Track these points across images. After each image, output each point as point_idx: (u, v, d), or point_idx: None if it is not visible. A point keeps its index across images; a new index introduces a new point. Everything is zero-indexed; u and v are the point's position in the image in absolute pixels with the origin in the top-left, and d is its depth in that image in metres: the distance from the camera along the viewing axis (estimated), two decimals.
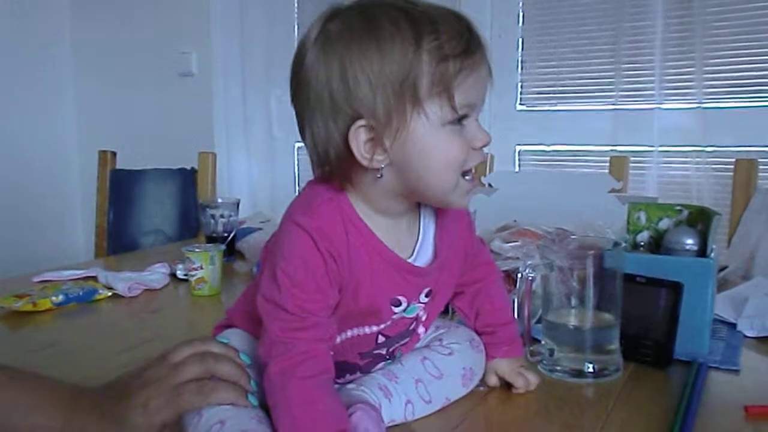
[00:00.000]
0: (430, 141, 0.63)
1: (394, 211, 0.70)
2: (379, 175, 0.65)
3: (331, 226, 0.65)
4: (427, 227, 0.74)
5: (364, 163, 0.63)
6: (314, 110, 0.63)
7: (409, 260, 0.71)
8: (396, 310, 0.72)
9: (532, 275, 0.85)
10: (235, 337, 0.75)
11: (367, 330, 0.72)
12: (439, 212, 0.75)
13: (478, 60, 0.64)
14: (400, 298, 0.71)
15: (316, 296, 0.65)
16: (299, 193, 0.71)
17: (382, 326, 0.72)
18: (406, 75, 0.61)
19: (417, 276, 0.71)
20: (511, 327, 0.84)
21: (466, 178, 0.67)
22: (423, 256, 0.73)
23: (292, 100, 0.67)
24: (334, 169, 0.65)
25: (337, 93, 0.62)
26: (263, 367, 0.65)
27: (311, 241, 0.64)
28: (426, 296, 0.74)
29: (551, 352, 0.86)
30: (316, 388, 0.63)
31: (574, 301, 0.85)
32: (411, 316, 0.74)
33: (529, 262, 0.87)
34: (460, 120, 0.64)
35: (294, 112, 0.68)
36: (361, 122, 0.62)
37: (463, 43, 0.62)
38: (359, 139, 0.63)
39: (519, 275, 0.85)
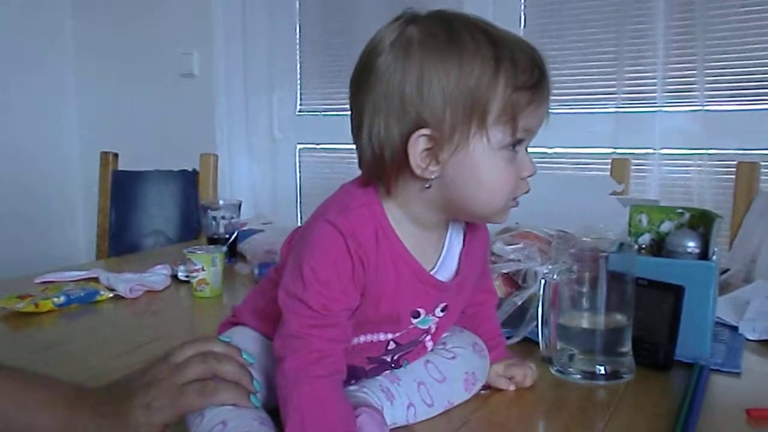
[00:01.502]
0: (485, 163, 0.65)
1: (428, 221, 0.70)
2: (427, 186, 0.66)
3: (364, 231, 0.66)
4: (453, 242, 0.74)
5: (417, 171, 0.64)
6: (379, 109, 0.64)
7: (432, 272, 0.72)
8: (414, 321, 0.73)
9: (556, 279, 0.85)
10: (238, 335, 0.75)
11: (381, 337, 0.73)
12: (468, 231, 0.75)
13: (545, 94, 0.66)
14: (420, 309, 0.72)
15: (339, 296, 0.65)
16: (332, 194, 0.71)
17: (397, 334, 0.73)
18: (480, 96, 0.62)
19: (439, 290, 0.72)
20: (497, 339, 0.86)
21: (512, 202, 0.68)
22: (445, 271, 0.73)
23: (353, 96, 0.67)
24: (384, 170, 0.66)
25: (409, 97, 0.62)
26: (278, 361, 0.65)
27: (343, 241, 0.65)
28: (441, 311, 0.74)
29: (571, 357, 0.86)
30: (327, 388, 0.64)
31: (585, 304, 0.85)
32: (424, 327, 0.75)
33: (549, 266, 0.87)
34: (514, 146, 0.65)
35: (351, 109, 0.68)
36: (425, 131, 0.63)
37: (536, 75, 0.64)
38: (418, 147, 0.63)
39: (543, 280, 0.85)
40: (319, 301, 0.64)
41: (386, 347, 0.74)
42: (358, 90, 0.66)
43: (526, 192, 0.69)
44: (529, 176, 0.68)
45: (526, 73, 0.63)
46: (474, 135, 0.63)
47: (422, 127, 0.63)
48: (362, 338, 0.72)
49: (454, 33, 0.63)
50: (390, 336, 0.73)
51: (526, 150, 0.68)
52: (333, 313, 0.65)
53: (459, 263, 0.74)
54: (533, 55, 0.65)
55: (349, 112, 0.69)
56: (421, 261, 0.70)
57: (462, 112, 0.62)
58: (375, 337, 0.72)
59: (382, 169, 0.66)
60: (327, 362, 0.64)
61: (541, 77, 0.65)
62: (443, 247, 0.73)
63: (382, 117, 0.64)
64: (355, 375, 0.74)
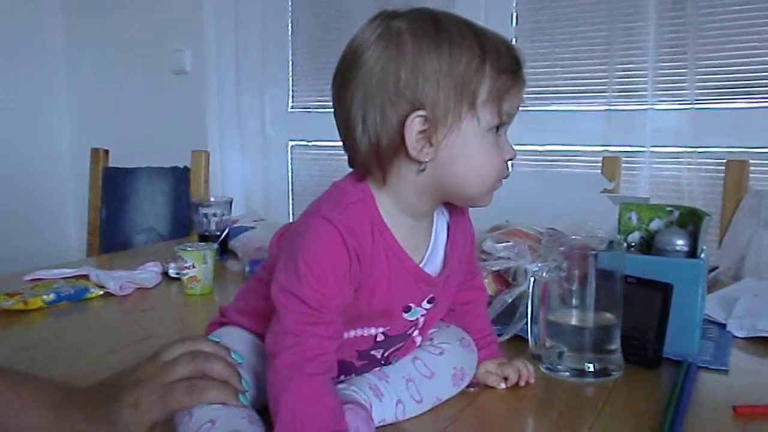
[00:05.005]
0: (476, 144, 0.68)
1: (419, 210, 0.72)
2: (422, 168, 0.68)
3: (360, 226, 0.67)
4: (439, 234, 0.76)
5: (413, 153, 0.66)
6: (372, 99, 0.66)
7: (420, 265, 0.73)
8: (405, 315, 0.74)
9: (545, 277, 0.85)
10: (227, 335, 0.75)
11: (372, 331, 0.73)
12: (452, 222, 0.77)
13: (523, 79, 0.70)
14: (411, 304, 0.73)
15: (335, 293, 0.66)
16: (324, 192, 0.72)
17: (387, 327, 0.74)
18: (470, 80, 0.66)
19: (429, 284, 0.73)
20: (488, 337, 0.87)
21: (498, 183, 0.72)
22: (432, 263, 0.74)
23: (340, 93, 0.69)
24: (381, 158, 0.67)
25: (404, 82, 0.65)
26: (270, 357, 0.65)
27: (340, 237, 0.65)
28: (428, 302, 0.75)
29: (560, 355, 0.87)
30: (319, 386, 0.64)
31: (575, 301, 0.86)
32: (412, 319, 0.75)
33: (539, 264, 0.87)
34: (497, 129, 0.69)
35: (337, 107, 0.70)
36: (421, 112, 0.65)
37: (515, 62, 0.69)
38: (413, 129, 0.66)
39: (532, 278, 0.86)
40: (315, 297, 0.65)
41: (375, 339, 0.74)
42: (345, 86, 0.68)
43: (507, 176, 0.72)
44: (509, 159, 0.72)
45: (507, 60, 0.68)
46: (465, 116, 0.67)
47: (418, 109, 0.65)
48: (352, 333, 0.72)
49: (440, 24, 0.67)
50: (381, 329, 0.73)
51: (506, 135, 0.72)
52: (328, 310, 0.66)
53: (445, 255, 0.75)
54: (509, 45, 0.70)
55: (333, 112, 0.70)
56: (410, 254, 0.71)
57: (454, 95, 0.66)
58: (366, 332, 0.73)
59: (379, 157, 0.67)
60: (320, 360, 0.65)
61: (518, 64, 0.69)
62: (430, 239, 0.75)
63: (377, 105, 0.66)
64: (345, 370, 0.74)
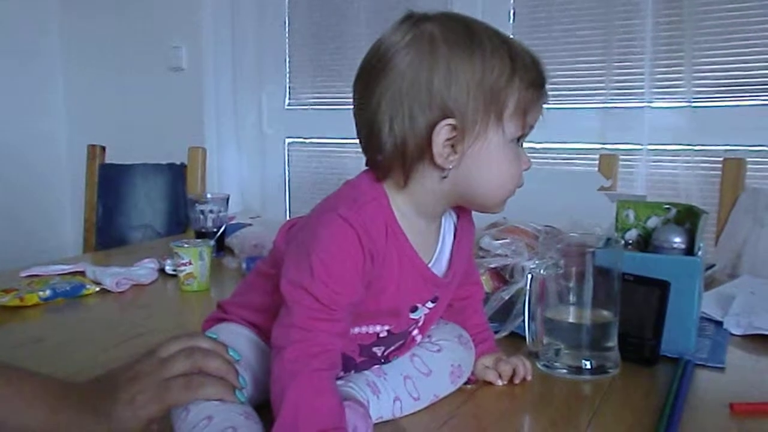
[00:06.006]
0: (500, 154, 0.69)
1: (432, 212, 0.73)
2: (444, 175, 0.68)
3: (375, 226, 0.67)
4: (446, 235, 0.76)
5: (439, 160, 0.67)
6: (402, 102, 0.66)
7: (429, 264, 0.73)
8: (411, 315, 0.74)
9: (543, 274, 0.85)
10: (225, 332, 0.75)
11: (378, 328, 0.73)
12: (460, 224, 0.78)
13: (547, 93, 0.71)
14: (417, 304, 0.74)
15: (347, 291, 0.66)
16: (338, 189, 0.72)
17: (393, 325, 0.74)
18: (500, 91, 0.67)
19: (436, 285, 0.74)
20: (485, 333, 0.88)
21: (513, 192, 0.72)
22: (439, 264, 0.75)
23: (365, 95, 0.68)
24: (405, 160, 0.67)
25: (437, 88, 0.65)
26: (276, 350, 0.65)
27: (356, 236, 0.65)
28: (432, 302, 0.75)
29: (557, 352, 0.87)
30: (324, 382, 0.64)
31: (572, 299, 0.86)
32: (416, 317, 0.75)
33: (536, 261, 0.88)
34: (518, 140, 0.70)
35: (361, 108, 0.69)
36: (450, 121, 0.66)
37: (542, 76, 0.70)
38: (441, 136, 0.66)
39: (530, 275, 0.86)
40: (328, 295, 0.65)
41: (378, 336, 0.74)
42: (371, 88, 0.67)
43: (522, 185, 0.72)
44: (525, 169, 0.72)
45: (535, 74, 0.69)
46: (491, 127, 0.67)
47: (447, 117, 0.65)
48: (357, 329, 0.72)
49: (473, 33, 0.67)
50: (386, 327, 0.74)
51: (522, 145, 0.72)
52: (339, 307, 0.66)
53: (451, 256, 0.76)
54: (536, 59, 0.70)
55: (355, 112, 0.70)
56: (420, 255, 0.72)
57: (483, 105, 0.66)
58: (371, 329, 0.73)
59: (404, 160, 0.67)
60: (326, 356, 0.65)
61: (544, 77, 0.70)
62: (439, 240, 0.75)
63: (406, 109, 0.66)
64: (344, 366, 0.74)
